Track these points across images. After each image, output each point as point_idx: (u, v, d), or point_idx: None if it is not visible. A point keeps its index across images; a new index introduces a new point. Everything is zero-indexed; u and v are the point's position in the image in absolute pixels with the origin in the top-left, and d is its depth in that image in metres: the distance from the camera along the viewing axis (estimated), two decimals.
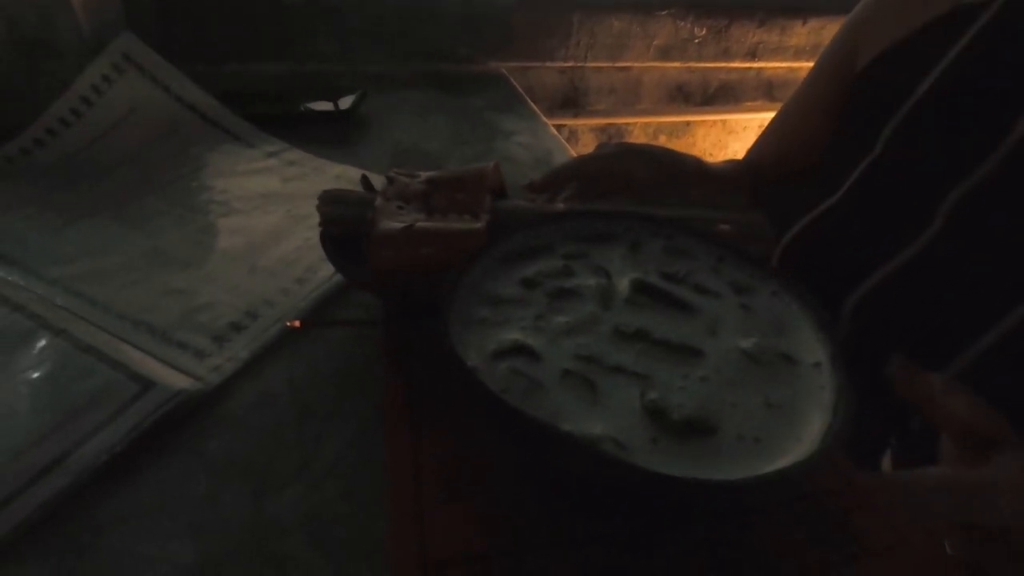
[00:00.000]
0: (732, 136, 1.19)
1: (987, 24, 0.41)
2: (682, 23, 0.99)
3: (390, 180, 0.38)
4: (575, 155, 0.68)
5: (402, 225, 0.33)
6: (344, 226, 0.35)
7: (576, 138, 1.09)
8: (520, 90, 0.87)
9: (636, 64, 1.02)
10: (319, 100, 0.70)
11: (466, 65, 0.91)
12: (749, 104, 1.15)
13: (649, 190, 0.48)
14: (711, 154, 1.20)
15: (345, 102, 0.70)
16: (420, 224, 0.33)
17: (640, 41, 0.99)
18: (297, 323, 0.39)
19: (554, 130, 0.75)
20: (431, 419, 0.31)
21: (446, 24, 0.88)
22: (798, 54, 1.09)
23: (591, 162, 0.49)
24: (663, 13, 0.97)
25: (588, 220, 0.34)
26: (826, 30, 1.06)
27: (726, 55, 1.06)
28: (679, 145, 1.18)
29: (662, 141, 1.16)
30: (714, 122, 1.16)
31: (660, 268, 0.31)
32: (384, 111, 0.73)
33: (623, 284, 0.30)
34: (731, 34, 1.03)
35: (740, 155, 0.64)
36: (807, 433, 0.24)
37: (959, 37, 0.42)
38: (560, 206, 0.38)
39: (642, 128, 1.12)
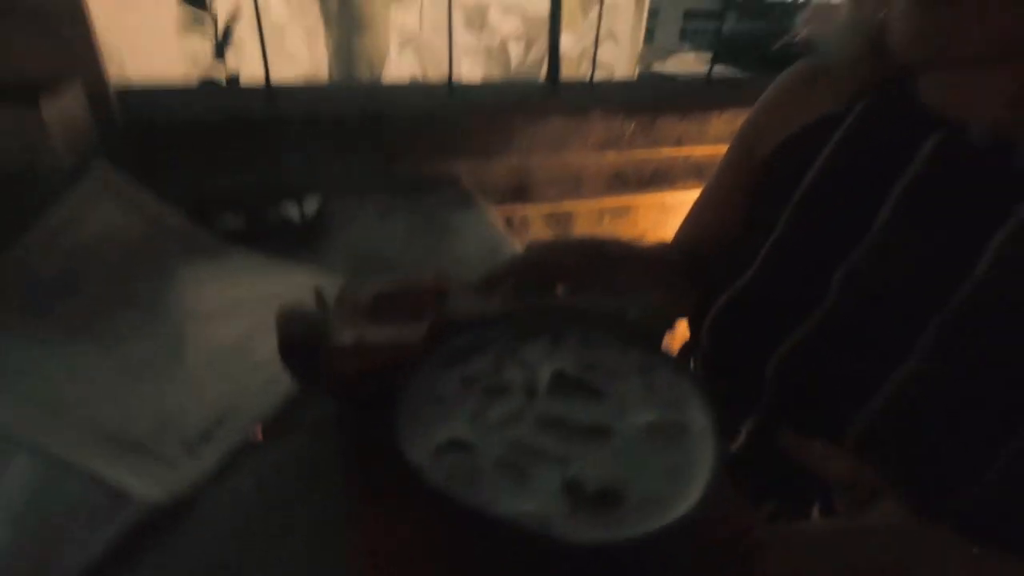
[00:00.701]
0: (670, 214, 1.30)
1: (847, 129, 0.50)
2: (613, 120, 1.11)
3: (340, 299, 0.43)
4: (520, 248, 0.75)
5: (353, 339, 0.38)
6: (301, 341, 0.40)
7: (527, 224, 1.18)
8: (470, 189, 0.95)
9: (576, 157, 1.14)
10: (284, 204, 0.76)
11: (420, 166, 1.00)
12: (682, 184, 1.27)
13: (579, 279, 0.54)
14: (651, 232, 1.31)
15: (308, 206, 0.76)
16: (370, 337, 0.38)
17: (577, 138, 1.10)
18: (259, 434, 0.43)
19: (502, 225, 0.83)
20: (388, 503, 0.35)
21: (401, 129, 0.97)
22: (718, 140, 1.23)
23: (524, 260, 0.55)
24: (595, 113, 1.09)
25: (517, 319, 0.40)
26: (739, 120, 1.20)
27: (656, 144, 1.18)
28: (622, 224, 1.28)
29: (606, 222, 1.26)
30: (652, 203, 1.27)
31: (576, 358, 0.36)
32: (345, 213, 0.80)
33: (545, 376, 0.35)
34: (657, 127, 1.16)
35: None
36: (697, 490, 0.29)
37: (828, 139, 0.51)
38: (497, 304, 0.43)
39: (587, 212, 1.22)
